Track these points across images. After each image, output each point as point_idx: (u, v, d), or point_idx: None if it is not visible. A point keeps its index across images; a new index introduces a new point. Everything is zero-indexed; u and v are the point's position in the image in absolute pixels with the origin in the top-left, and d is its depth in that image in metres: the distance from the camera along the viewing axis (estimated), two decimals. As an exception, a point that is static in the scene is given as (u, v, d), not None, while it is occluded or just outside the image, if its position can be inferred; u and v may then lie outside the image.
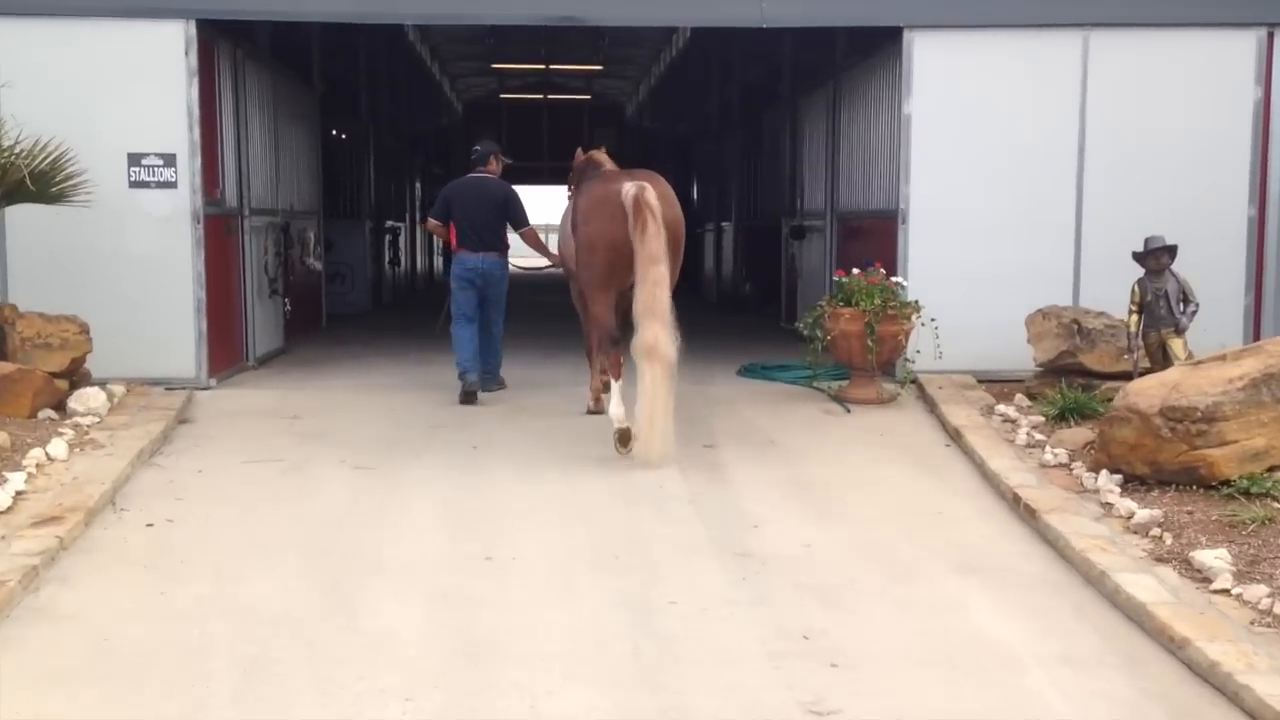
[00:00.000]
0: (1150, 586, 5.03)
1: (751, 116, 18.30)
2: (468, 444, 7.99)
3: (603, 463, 7.50)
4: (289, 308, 12.10)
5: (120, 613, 5.00)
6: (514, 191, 9.66)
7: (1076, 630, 4.86)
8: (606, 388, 8.02)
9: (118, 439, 7.57)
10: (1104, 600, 5.15)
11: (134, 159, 9.67)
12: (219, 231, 10.38)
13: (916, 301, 9.21)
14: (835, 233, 12.53)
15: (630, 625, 4.89)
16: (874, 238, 11.08)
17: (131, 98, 9.65)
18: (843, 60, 12.51)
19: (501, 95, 36.58)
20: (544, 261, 10.10)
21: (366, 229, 18.22)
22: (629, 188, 7.27)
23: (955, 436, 7.97)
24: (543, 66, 30.63)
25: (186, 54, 9.67)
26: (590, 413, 8.72)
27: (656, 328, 7.02)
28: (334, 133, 18.30)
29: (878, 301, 9.05)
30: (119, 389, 8.96)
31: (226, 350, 10.50)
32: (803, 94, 14.05)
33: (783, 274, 14.96)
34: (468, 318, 9.39)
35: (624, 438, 7.43)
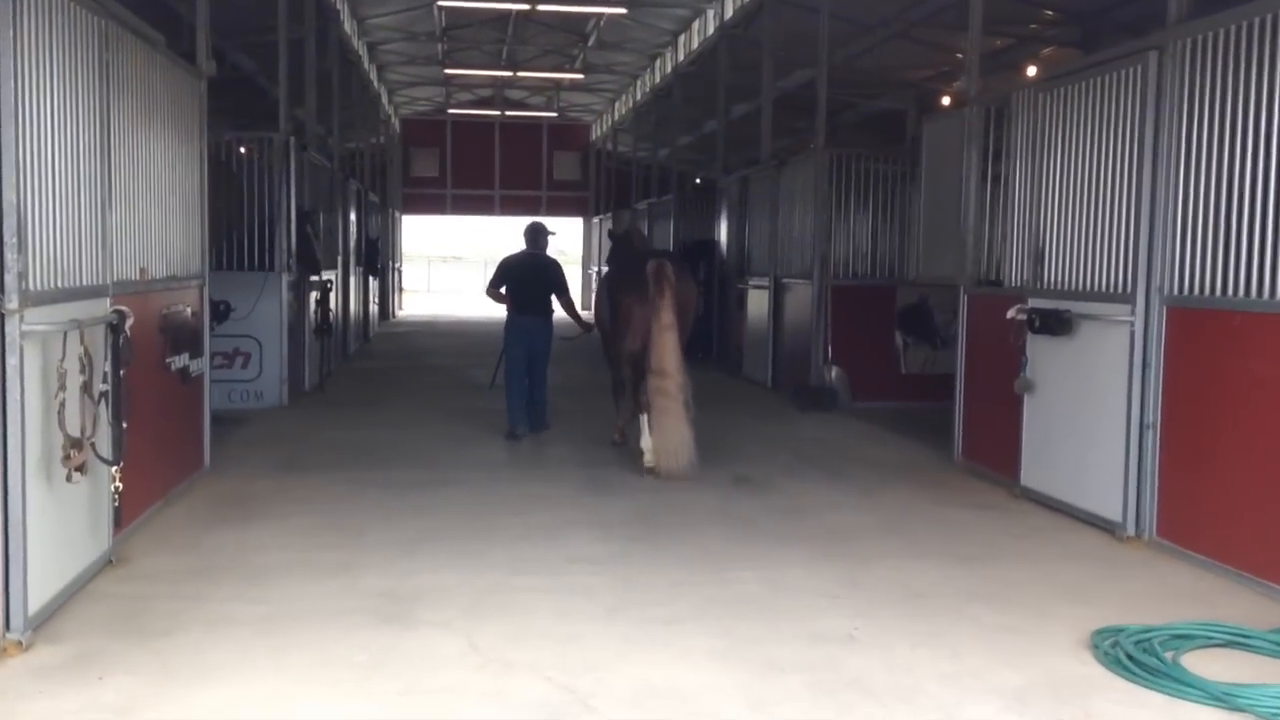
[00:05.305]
0: None
1: (846, 135, 12.36)
2: None
3: None
4: (120, 486, 5.72)
5: None
6: (560, 266, 10.74)
7: None
8: (627, 425, 9.54)
9: None
10: None
11: None
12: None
13: None
14: (1159, 332, 6.58)
15: None
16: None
17: None
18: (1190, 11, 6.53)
19: (449, 110, 30.10)
20: (578, 330, 10.60)
21: (283, 285, 11.92)
22: (651, 264, 8.60)
23: None
24: (509, 73, 24.30)
25: None
26: (614, 444, 9.64)
27: (670, 374, 8.33)
28: (231, 144, 11.98)
29: None
30: None
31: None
32: (1026, 93, 8.06)
33: (959, 380, 9.01)
34: (519, 377, 10.31)
35: (653, 470, 8.43)
